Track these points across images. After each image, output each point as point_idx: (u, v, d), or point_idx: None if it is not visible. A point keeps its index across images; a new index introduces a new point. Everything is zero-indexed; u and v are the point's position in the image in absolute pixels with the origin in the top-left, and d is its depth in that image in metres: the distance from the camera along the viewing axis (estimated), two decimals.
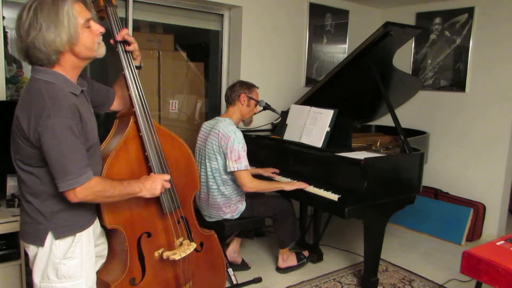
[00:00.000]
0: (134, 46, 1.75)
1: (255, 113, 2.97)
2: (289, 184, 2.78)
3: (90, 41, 1.47)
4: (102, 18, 1.77)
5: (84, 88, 1.57)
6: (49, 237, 1.48)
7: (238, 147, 2.62)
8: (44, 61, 1.42)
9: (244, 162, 2.63)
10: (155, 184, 1.68)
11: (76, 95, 1.49)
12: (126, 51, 1.75)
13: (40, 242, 1.48)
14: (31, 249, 1.52)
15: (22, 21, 1.38)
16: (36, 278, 1.52)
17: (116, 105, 1.86)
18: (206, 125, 2.87)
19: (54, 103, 1.37)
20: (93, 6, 1.72)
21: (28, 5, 1.39)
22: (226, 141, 2.63)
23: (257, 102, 2.88)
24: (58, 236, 1.49)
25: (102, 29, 1.52)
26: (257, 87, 2.91)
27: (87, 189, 1.44)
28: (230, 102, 2.84)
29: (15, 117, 1.42)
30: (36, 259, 1.51)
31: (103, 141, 1.82)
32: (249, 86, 2.85)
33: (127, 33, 1.72)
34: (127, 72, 1.75)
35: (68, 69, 1.47)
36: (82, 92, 1.54)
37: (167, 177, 1.76)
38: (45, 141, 1.36)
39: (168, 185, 1.76)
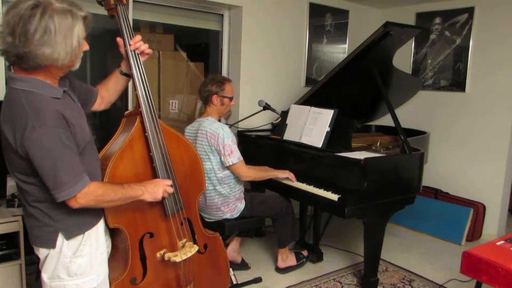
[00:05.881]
0: (148, 51, 1.78)
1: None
2: (281, 172, 2.85)
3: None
4: (112, 16, 1.77)
5: (66, 88, 1.49)
6: (60, 238, 1.47)
7: (229, 141, 2.63)
8: (28, 66, 1.32)
9: (236, 155, 2.66)
10: (157, 188, 1.68)
11: (59, 98, 1.41)
12: (134, 51, 1.75)
13: (51, 244, 1.47)
14: (42, 252, 1.51)
15: (25, 20, 1.26)
16: (46, 278, 1.51)
17: (97, 105, 1.79)
18: (189, 128, 2.82)
19: (37, 114, 1.30)
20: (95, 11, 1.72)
21: (33, 3, 1.27)
22: (216, 139, 2.63)
23: (230, 98, 2.78)
24: (68, 236, 1.48)
25: (87, 48, 1.48)
26: (230, 80, 2.79)
27: (87, 194, 1.41)
28: (205, 102, 2.78)
29: (1, 130, 1.37)
30: (46, 260, 1.50)
31: (109, 140, 1.82)
32: (220, 84, 2.71)
33: (139, 40, 1.74)
34: (135, 72, 1.75)
35: (47, 76, 1.40)
36: (65, 92, 1.46)
37: (169, 182, 1.76)
38: (33, 155, 1.31)
39: (170, 190, 1.75)
